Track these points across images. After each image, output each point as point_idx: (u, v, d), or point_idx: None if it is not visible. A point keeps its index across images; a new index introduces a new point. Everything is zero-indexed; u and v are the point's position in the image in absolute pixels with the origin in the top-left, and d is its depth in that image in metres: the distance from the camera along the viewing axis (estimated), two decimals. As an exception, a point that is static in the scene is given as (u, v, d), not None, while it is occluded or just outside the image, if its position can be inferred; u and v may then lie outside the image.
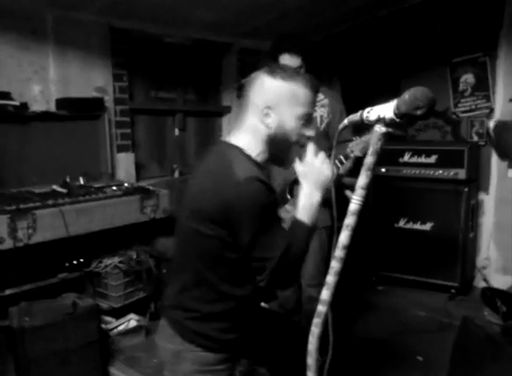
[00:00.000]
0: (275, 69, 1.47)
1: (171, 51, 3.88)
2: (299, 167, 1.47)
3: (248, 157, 1.46)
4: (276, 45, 2.53)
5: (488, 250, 3.98)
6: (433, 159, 3.78)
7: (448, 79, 4.04)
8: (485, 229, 4.01)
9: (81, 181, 3.03)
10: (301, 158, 1.48)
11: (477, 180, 3.93)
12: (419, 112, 0.99)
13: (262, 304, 3.60)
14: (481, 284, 3.88)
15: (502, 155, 2.33)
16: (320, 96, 2.56)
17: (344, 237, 1.10)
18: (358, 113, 1.15)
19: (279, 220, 1.43)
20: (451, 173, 3.70)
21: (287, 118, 1.44)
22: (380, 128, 1.08)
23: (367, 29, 4.32)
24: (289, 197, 2.45)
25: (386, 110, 1.05)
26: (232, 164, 1.40)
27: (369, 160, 1.09)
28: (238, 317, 1.53)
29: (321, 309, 1.12)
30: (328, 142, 2.56)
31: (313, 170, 1.43)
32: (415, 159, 3.84)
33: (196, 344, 1.49)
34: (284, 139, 1.47)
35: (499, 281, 3.69)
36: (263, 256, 1.36)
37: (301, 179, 1.45)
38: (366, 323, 3.37)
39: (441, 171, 3.74)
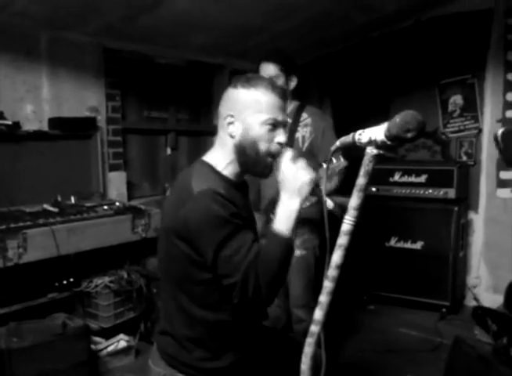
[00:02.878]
0: (237, 79, 1.48)
1: (164, 71, 3.92)
2: (276, 175, 1.44)
3: (214, 170, 1.45)
4: (257, 59, 2.53)
5: (478, 269, 4.00)
6: (423, 178, 3.82)
7: (438, 100, 4.12)
8: (475, 248, 4.04)
9: (73, 200, 3.03)
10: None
11: (467, 199, 3.98)
12: (409, 135, 1.01)
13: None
14: (472, 303, 3.89)
15: (510, 162, 2.37)
16: (304, 116, 2.56)
17: (336, 257, 1.11)
18: (350, 136, 1.17)
19: (244, 232, 1.34)
20: (441, 192, 3.75)
21: (251, 125, 1.43)
22: (371, 150, 1.10)
23: (358, 51, 4.39)
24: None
25: (377, 132, 1.07)
26: (191, 178, 1.39)
27: (360, 181, 1.11)
28: (220, 344, 1.46)
29: (314, 328, 1.12)
30: (313, 161, 2.55)
31: (289, 177, 1.38)
32: (405, 178, 3.88)
33: (178, 370, 1.45)
34: (252, 148, 1.44)
35: (490, 300, 3.70)
36: (230, 270, 1.28)
37: (279, 188, 1.41)
38: (357, 342, 3.35)
39: (431, 191, 3.79)
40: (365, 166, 1.11)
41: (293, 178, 1.38)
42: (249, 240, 1.32)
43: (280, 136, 1.45)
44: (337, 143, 1.22)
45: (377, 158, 1.11)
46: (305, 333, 2.75)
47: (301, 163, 1.41)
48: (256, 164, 1.47)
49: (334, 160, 2.24)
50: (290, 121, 2.60)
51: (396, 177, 3.92)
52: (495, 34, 3.78)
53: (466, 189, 3.96)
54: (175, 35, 3.43)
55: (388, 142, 1.05)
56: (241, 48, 3.86)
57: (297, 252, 2.50)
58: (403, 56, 4.20)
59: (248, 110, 1.42)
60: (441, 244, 3.75)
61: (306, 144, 2.55)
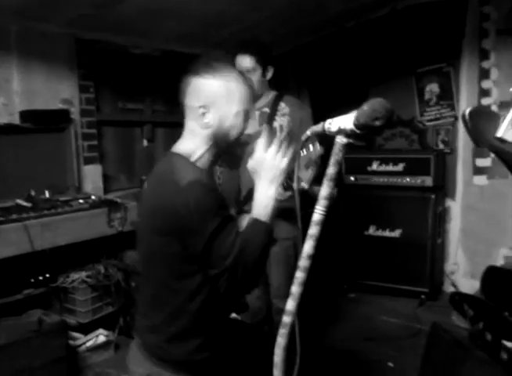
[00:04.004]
0: (199, 68, 1.46)
1: (139, 62, 3.85)
2: (250, 164, 1.44)
3: (189, 161, 1.44)
4: (232, 51, 2.50)
5: (455, 255, 4.05)
6: (400, 167, 3.85)
7: (414, 89, 4.13)
8: (453, 235, 4.08)
9: (47, 194, 2.97)
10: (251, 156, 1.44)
11: (444, 187, 4.01)
12: (377, 123, 1.00)
13: (234, 315, 3.59)
14: (450, 289, 3.94)
15: (477, 141, 2.37)
16: (282, 105, 2.54)
17: (308, 247, 1.10)
18: (321, 125, 1.15)
19: (230, 221, 1.37)
20: (418, 180, 3.78)
21: (224, 116, 1.43)
22: (341, 139, 1.09)
23: (335, 40, 4.37)
24: None
25: (346, 121, 1.06)
26: (173, 170, 1.38)
27: (330, 170, 1.10)
28: (206, 334, 1.47)
29: (286, 319, 1.12)
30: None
31: (264, 165, 1.39)
32: (383, 167, 3.90)
33: (168, 367, 1.44)
34: (225, 138, 1.46)
35: (467, 286, 3.75)
36: (218, 260, 1.30)
37: (254, 176, 1.43)
38: (338, 331, 3.38)
39: (408, 179, 3.81)
40: (335, 155, 1.10)
41: (269, 167, 1.39)
42: (234, 230, 1.34)
43: (252, 127, 1.46)
44: (308, 133, 1.21)
45: (347, 147, 1.10)
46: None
47: (273, 150, 1.40)
48: (227, 154, 1.50)
49: (311, 148, 2.24)
50: (268, 110, 2.59)
51: (374, 166, 3.94)
52: (469, 23, 3.79)
53: (444, 177, 3.98)
54: (149, 25, 3.36)
55: (357, 131, 1.04)
56: (217, 38, 3.81)
57: (277, 243, 2.50)
58: (379, 45, 4.19)
59: (222, 101, 1.42)
60: (419, 232, 3.79)
61: (284, 133, 2.55)
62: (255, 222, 1.36)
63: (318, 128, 1.17)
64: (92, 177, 3.44)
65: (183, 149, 1.47)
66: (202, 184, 1.33)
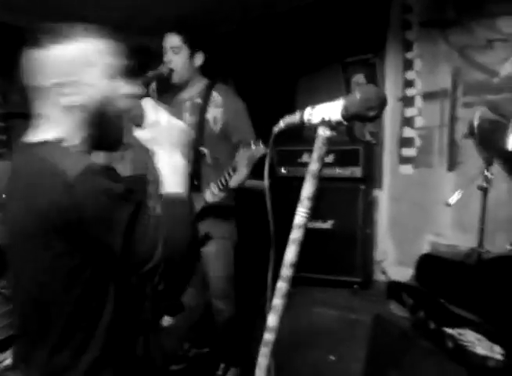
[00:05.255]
0: (37, 40, 1.12)
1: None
2: (142, 133, 1.21)
3: (66, 148, 1.14)
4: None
5: (384, 244, 4.14)
6: (330, 158, 3.84)
7: (342, 79, 4.13)
8: (381, 224, 4.17)
9: None
10: (138, 125, 1.20)
11: (372, 177, 4.07)
12: (371, 113, 0.89)
13: (167, 318, 3.42)
14: (381, 278, 4.03)
15: (484, 150, 2.42)
16: (214, 95, 2.43)
17: (290, 254, 0.98)
18: (297, 115, 1.02)
19: (143, 206, 1.10)
20: (348, 171, 3.80)
21: (90, 85, 1.14)
22: (324, 132, 0.97)
23: (262, 27, 4.27)
24: None
25: (331, 111, 0.94)
26: (49, 163, 1.07)
27: (313, 166, 0.99)
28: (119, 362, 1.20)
29: (268, 337, 0.99)
30: (228, 143, 2.44)
31: (162, 130, 1.19)
32: (313, 159, 3.87)
33: None
34: (102, 111, 1.17)
35: (397, 273, 3.84)
36: (145, 254, 1.06)
37: (152, 146, 1.20)
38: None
39: (338, 170, 3.83)
40: (318, 150, 0.98)
41: (169, 130, 1.20)
42: (149, 214, 1.10)
43: (125, 87, 1.20)
44: (281, 124, 1.07)
45: (330, 140, 0.99)
46: (225, 324, 2.65)
47: (165, 112, 1.21)
48: (110, 131, 1.22)
49: (253, 147, 2.13)
50: (200, 101, 2.43)
51: (304, 158, 3.92)
52: (393, 14, 3.86)
53: (371, 168, 4.04)
54: (64, 11, 3.06)
55: (345, 123, 0.93)
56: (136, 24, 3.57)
57: (213, 242, 2.38)
58: (307, 33, 4.14)
59: (83, 70, 1.13)
60: (350, 222, 3.82)
61: (219, 125, 2.42)
62: (173, 198, 1.15)
63: (294, 119, 1.04)
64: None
65: (52, 137, 1.15)
66: (98, 169, 1.06)
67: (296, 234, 0.98)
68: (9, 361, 2.61)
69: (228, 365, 2.71)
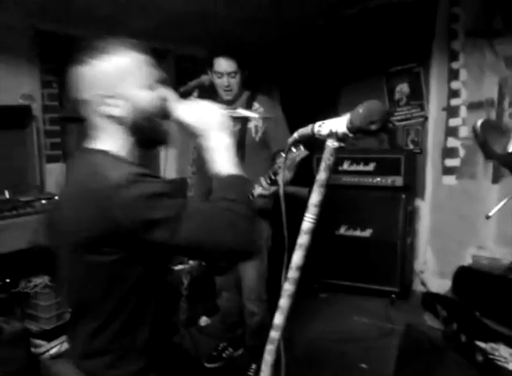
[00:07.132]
0: (82, 55, 1.25)
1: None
2: (190, 119, 1.28)
3: (114, 156, 1.23)
4: (212, 51, 2.50)
5: (425, 254, 4.08)
6: (371, 167, 3.84)
7: (384, 88, 4.13)
8: (422, 235, 4.11)
9: (7, 195, 2.82)
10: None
11: (414, 187, 4.03)
12: (373, 127, 0.95)
13: (204, 319, 3.52)
14: (420, 288, 3.98)
15: (487, 154, 2.39)
16: (255, 105, 2.56)
17: (297, 258, 1.04)
18: (309, 127, 1.09)
19: (190, 200, 1.20)
20: (388, 180, 3.78)
21: (134, 97, 1.23)
22: (332, 143, 1.03)
23: (306, 38, 4.34)
24: None
25: (338, 124, 1.00)
26: (97, 171, 1.16)
27: (321, 176, 1.04)
28: (156, 350, 1.31)
29: (274, 334, 1.05)
30: (267, 151, 2.55)
31: (200, 117, 1.27)
32: (354, 167, 3.89)
33: None
34: (145, 119, 1.25)
35: (437, 285, 3.78)
36: (199, 244, 1.12)
37: (203, 130, 1.27)
38: (310, 331, 3.34)
39: (379, 179, 3.81)
40: (326, 160, 1.04)
41: (205, 115, 1.28)
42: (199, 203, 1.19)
43: (162, 91, 1.29)
44: (295, 135, 1.14)
45: (338, 151, 1.04)
46: (258, 327, 2.71)
47: (196, 101, 1.31)
48: (153, 134, 1.30)
49: (294, 150, 2.20)
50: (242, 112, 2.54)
51: (345, 166, 3.92)
52: (439, 23, 3.82)
53: (413, 177, 4.01)
54: (114, 19, 3.22)
55: (350, 135, 0.99)
56: (186, 33, 3.71)
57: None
58: (351, 43, 4.17)
59: (123, 83, 1.22)
60: (390, 232, 3.79)
61: (259, 134, 2.55)
62: (231, 177, 1.20)
63: (306, 130, 1.10)
64: (55, 176, 3.29)
65: (104, 147, 1.26)
66: (140, 174, 1.13)
67: (303, 239, 1.03)
68: (56, 350, 2.79)
69: (259, 366, 2.77)
